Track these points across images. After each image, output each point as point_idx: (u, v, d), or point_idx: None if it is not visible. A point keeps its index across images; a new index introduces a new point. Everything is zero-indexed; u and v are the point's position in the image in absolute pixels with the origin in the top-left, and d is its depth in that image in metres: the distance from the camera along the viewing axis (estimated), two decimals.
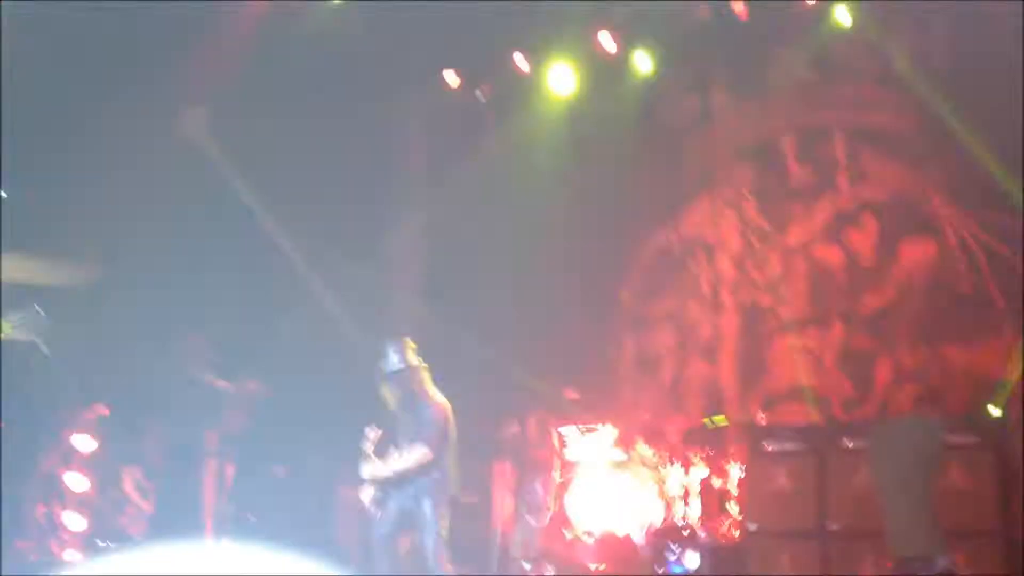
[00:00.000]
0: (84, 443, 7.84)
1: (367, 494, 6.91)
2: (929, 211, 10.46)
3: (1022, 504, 7.35)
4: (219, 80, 10.83)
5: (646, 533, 8.51)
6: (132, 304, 10.72)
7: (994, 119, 9.48)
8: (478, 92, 12.37)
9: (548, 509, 9.09)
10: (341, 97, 11.46)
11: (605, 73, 11.85)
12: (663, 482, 9.30)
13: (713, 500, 9.12)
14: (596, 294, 11.99)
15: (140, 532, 7.72)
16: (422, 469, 6.79)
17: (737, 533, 8.56)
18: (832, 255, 11.03)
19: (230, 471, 8.30)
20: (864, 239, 10.86)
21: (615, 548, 8.51)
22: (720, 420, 9.79)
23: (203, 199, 11.17)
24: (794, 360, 10.89)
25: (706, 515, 9.04)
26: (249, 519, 9.50)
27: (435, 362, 7.36)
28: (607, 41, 11.47)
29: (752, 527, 8.07)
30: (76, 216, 10.68)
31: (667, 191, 12.14)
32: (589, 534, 9.09)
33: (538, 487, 9.04)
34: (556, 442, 9.39)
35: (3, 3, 8.98)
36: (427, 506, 6.79)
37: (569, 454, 9.78)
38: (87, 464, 7.80)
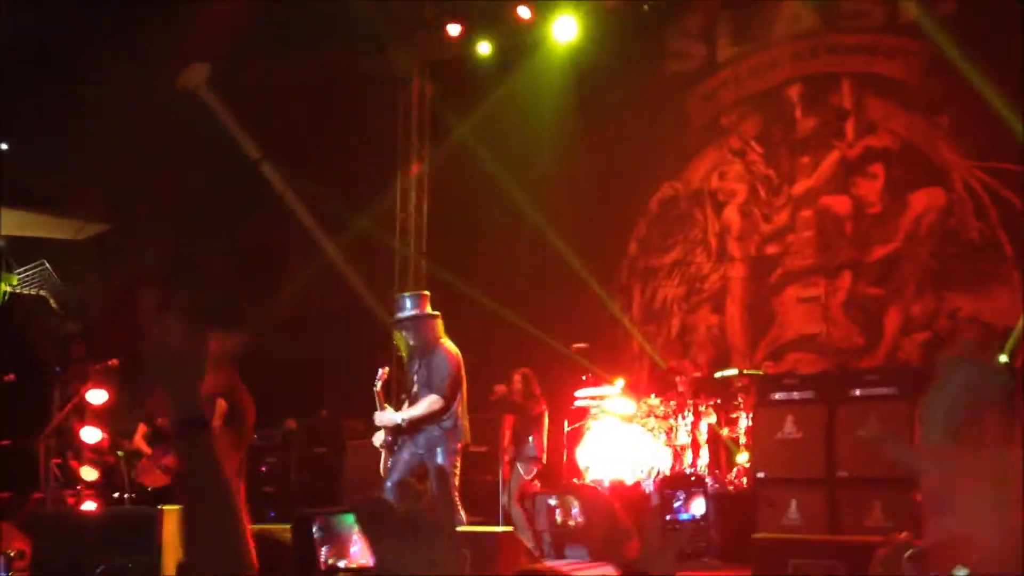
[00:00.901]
0: (96, 396, 7.87)
1: (379, 438, 6.95)
2: (937, 159, 10.42)
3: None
4: (221, 31, 10.75)
5: (654, 481, 8.58)
6: (138, 256, 10.74)
7: (1002, 65, 9.41)
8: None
9: (540, 461, 9.13)
10: (344, 49, 11.38)
11: (610, 22, 11.76)
12: (672, 432, 9.36)
13: (721, 449, 9.18)
14: (604, 246, 11.97)
15: (155, 484, 7.77)
16: (434, 417, 6.82)
17: (745, 481, 8.64)
18: (840, 204, 11.00)
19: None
20: (872, 188, 10.83)
21: (624, 496, 8.58)
22: (729, 371, 9.81)
23: (206, 151, 11.15)
24: (802, 309, 10.91)
25: (714, 464, 9.11)
26: (261, 471, 9.59)
27: (444, 314, 7.38)
28: None
29: (760, 475, 8.12)
30: (80, 170, 10.66)
31: (674, 142, 12.08)
32: (598, 483, 9.16)
33: (532, 440, 9.08)
34: (536, 393, 9.36)
35: None
36: (439, 454, 6.83)
37: (578, 405, 9.83)
38: (99, 416, 7.84)
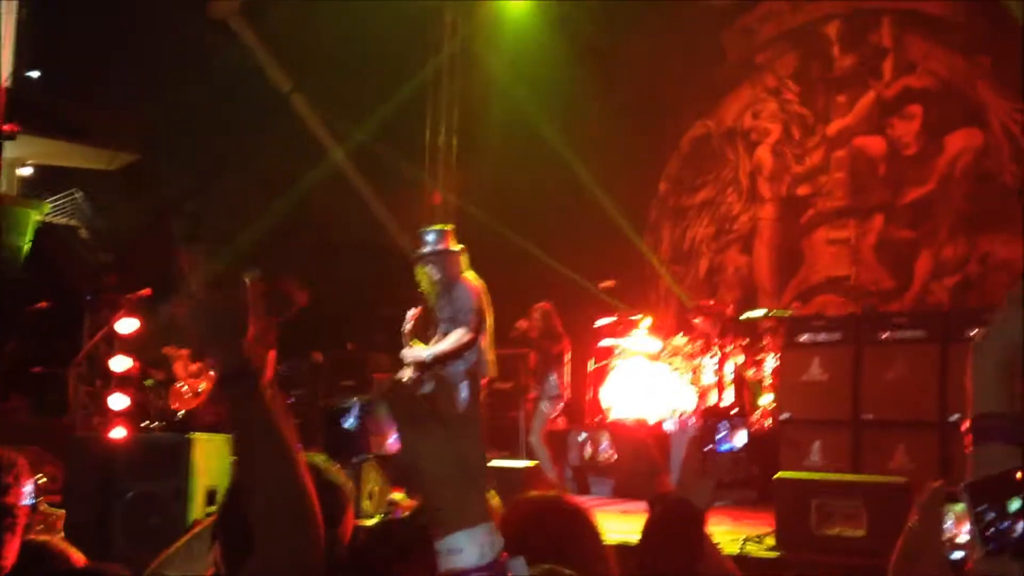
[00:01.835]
0: (127, 325, 7.95)
1: (406, 374, 6.98)
2: (976, 100, 10.24)
3: None
4: None
5: (680, 419, 8.60)
6: (169, 186, 10.78)
7: None
8: None
9: (561, 399, 9.15)
10: None
11: None
12: (697, 372, 9.35)
13: (746, 390, 9.18)
14: (634, 184, 11.89)
15: (186, 411, 7.88)
16: (460, 350, 6.82)
17: (768, 422, 8.64)
18: (874, 145, 10.85)
19: (271, 356, 8.39)
20: (907, 129, 10.67)
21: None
22: (756, 312, 9.77)
23: (237, 82, 11.11)
24: (831, 251, 10.83)
25: (739, 404, 9.11)
26: (288, 403, 9.68)
27: (470, 250, 7.38)
28: None
29: (785, 416, 8.12)
30: (112, 99, 10.67)
31: (708, 79, 11.93)
32: (622, 421, 9.18)
33: (553, 377, 9.07)
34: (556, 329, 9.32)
35: None
36: (463, 388, 6.84)
37: (604, 343, 9.83)
38: (130, 346, 7.92)
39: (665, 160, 12.11)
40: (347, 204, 11.59)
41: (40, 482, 5.83)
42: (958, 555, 1.85)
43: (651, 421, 9.05)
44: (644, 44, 11.64)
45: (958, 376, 5.95)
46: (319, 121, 11.74)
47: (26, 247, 9.81)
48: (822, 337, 8.01)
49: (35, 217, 10.09)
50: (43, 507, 5.54)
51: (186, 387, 7.98)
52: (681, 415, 9.11)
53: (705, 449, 2.05)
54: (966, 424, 1.62)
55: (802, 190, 11.25)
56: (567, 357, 9.16)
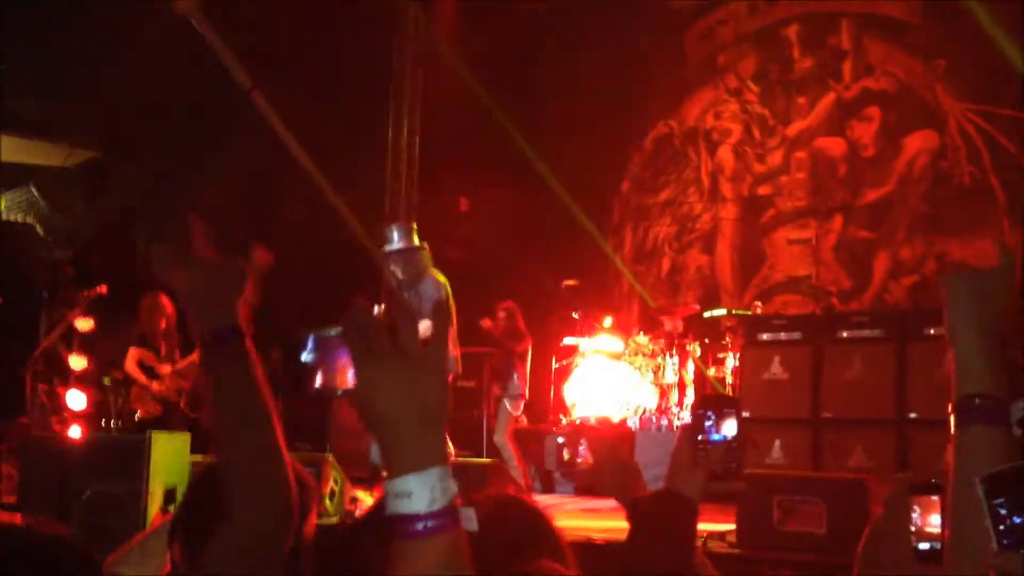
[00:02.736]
0: (84, 323, 7.85)
1: None
2: (933, 102, 10.36)
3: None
4: None
5: (695, 401, 8.62)
6: (128, 184, 10.66)
7: (1007, 7, 9.32)
8: None
9: (523, 397, 9.15)
10: None
11: None
12: (659, 371, 9.40)
13: (707, 389, 9.23)
14: (596, 183, 11.92)
15: (147, 411, 7.78)
16: None
17: None
18: (834, 146, 10.96)
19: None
20: (866, 130, 10.78)
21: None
22: (717, 311, 9.83)
23: (198, 79, 11.01)
24: (792, 251, 10.92)
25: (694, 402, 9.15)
26: None
27: (432, 247, 7.37)
28: None
29: (745, 415, 8.18)
30: (70, 94, 10.53)
31: (670, 80, 11.98)
32: (585, 420, 9.20)
33: (516, 376, 9.08)
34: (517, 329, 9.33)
35: None
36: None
37: (566, 342, 9.85)
38: (87, 343, 7.83)
39: (628, 159, 12.15)
40: (309, 200, 11.52)
41: None
42: (925, 545, 1.86)
43: (614, 419, 9.09)
44: (607, 44, 11.67)
45: (916, 375, 6.04)
46: (280, 118, 11.65)
47: None
48: (782, 336, 8.08)
49: None
50: None
51: (148, 388, 7.88)
52: (643, 413, 9.15)
53: (697, 439, 2.00)
54: (950, 405, 1.62)
55: (763, 190, 11.34)
56: (529, 355, 9.17)
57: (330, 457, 6.07)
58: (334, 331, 1.38)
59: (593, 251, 11.74)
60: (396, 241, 7.14)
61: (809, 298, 10.42)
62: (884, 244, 10.47)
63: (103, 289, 8.04)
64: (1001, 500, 1.31)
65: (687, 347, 9.34)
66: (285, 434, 1.80)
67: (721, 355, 9.27)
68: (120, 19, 10.20)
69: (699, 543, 2.06)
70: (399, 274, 7.18)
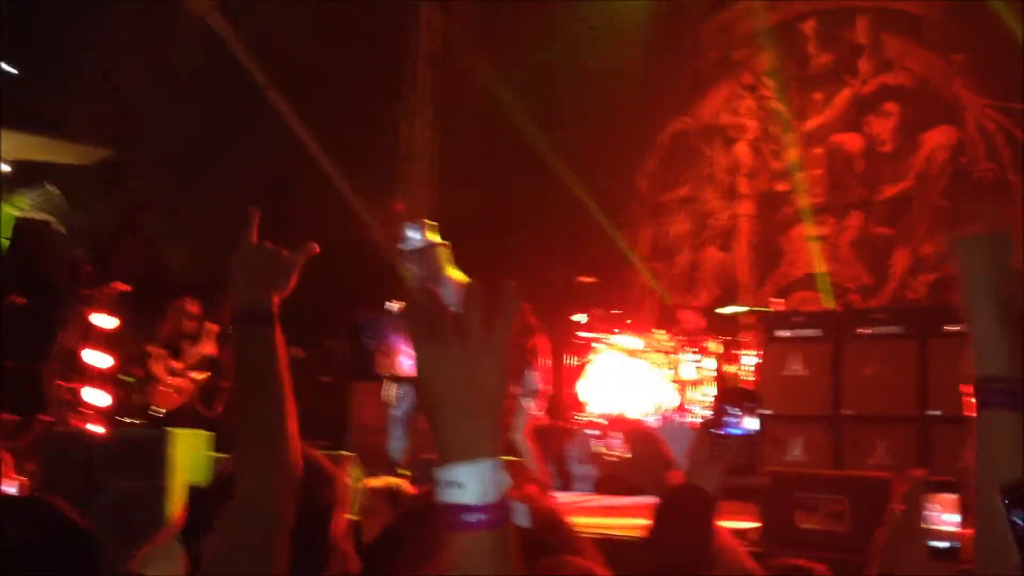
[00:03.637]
0: (104, 320, 7.88)
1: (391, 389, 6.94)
2: (951, 98, 10.31)
3: None
4: None
5: (717, 395, 8.56)
6: (146, 182, 10.69)
7: None
8: None
9: (542, 393, 9.13)
10: None
11: None
12: (677, 368, 9.37)
13: (727, 385, 9.20)
14: (613, 180, 11.89)
15: (168, 406, 7.80)
16: None
17: None
18: (851, 142, 10.91)
19: None
20: (884, 126, 10.73)
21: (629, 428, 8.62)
22: (735, 308, 9.81)
23: (213, 76, 11.03)
24: (810, 247, 10.87)
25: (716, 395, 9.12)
26: None
27: (450, 244, 7.37)
28: None
29: (765, 412, 8.16)
30: (88, 94, 10.57)
31: (686, 76, 11.95)
32: (616, 416, 9.17)
33: (531, 373, 9.05)
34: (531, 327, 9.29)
35: None
36: None
37: (582, 339, 9.83)
38: (108, 341, 7.86)
39: (643, 157, 12.13)
40: (324, 199, 11.53)
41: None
42: (941, 544, 1.86)
43: (630, 416, 9.07)
44: (624, 40, 11.65)
45: (937, 371, 6.01)
46: (296, 116, 11.67)
47: (4, 243, 9.71)
48: (802, 333, 8.06)
49: (13, 213, 9.99)
50: None
51: (169, 385, 7.91)
52: (663, 411, 9.13)
53: (716, 432, 2.00)
54: (970, 387, 1.59)
55: (780, 186, 11.30)
56: (543, 351, 9.15)
57: (351, 455, 6.08)
58: (395, 313, 1.39)
59: (609, 248, 11.72)
60: (415, 239, 7.13)
61: (827, 295, 10.39)
62: (903, 240, 10.41)
63: (123, 286, 8.07)
64: (1021, 513, 1.27)
65: (705, 344, 9.32)
66: (304, 431, 1.84)
67: (739, 352, 9.24)
68: (137, 18, 10.24)
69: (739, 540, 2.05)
70: (416, 271, 7.17)
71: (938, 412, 7.12)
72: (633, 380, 9.26)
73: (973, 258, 1.64)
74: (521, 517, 1.24)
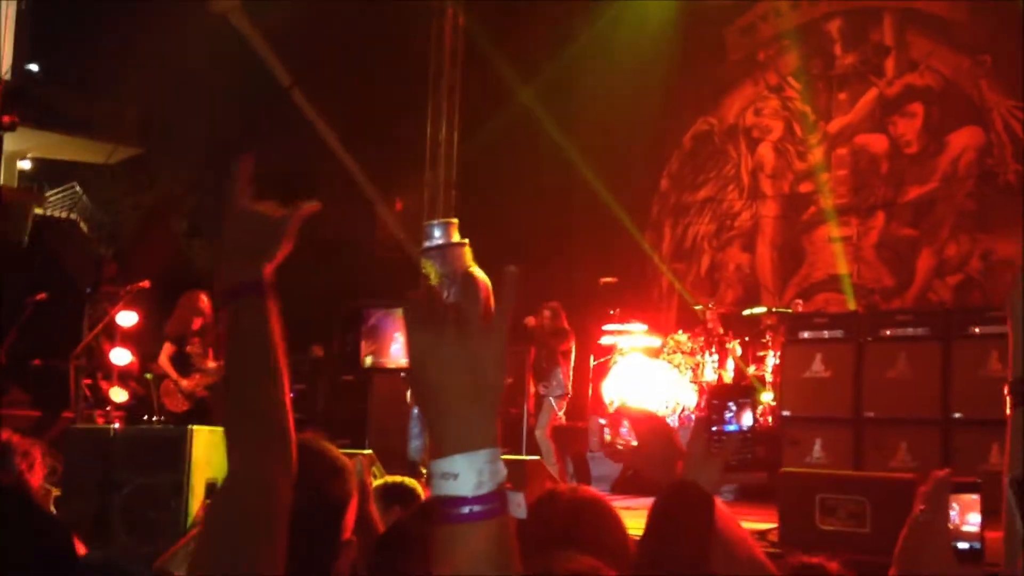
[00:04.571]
0: (127, 318, 7.91)
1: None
2: (978, 99, 10.21)
3: None
4: None
5: (709, 392, 8.54)
6: (169, 181, 10.76)
7: None
8: None
9: (567, 396, 9.13)
10: None
11: None
12: (699, 368, 9.33)
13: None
14: (636, 181, 11.86)
15: (177, 408, 7.82)
16: None
17: (769, 420, 8.62)
18: (876, 143, 10.83)
19: None
20: (909, 127, 10.65)
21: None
22: (758, 309, 9.75)
23: (238, 76, 11.08)
24: (833, 249, 10.80)
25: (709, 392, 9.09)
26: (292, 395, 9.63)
27: (472, 244, 7.36)
28: None
29: (786, 413, 8.11)
30: (113, 93, 10.64)
31: (710, 77, 11.90)
32: (623, 405, 9.14)
33: (560, 374, 9.05)
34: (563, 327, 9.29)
35: None
36: None
37: (605, 340, 9.81)
38: (130, 338, 7.89)
39: (667, 157, 12.08)
40: (347, 198, 11.54)
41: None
42: (964, 545, 1.83)
43: (641, 406, 9.02)
44: (647, 41, 11.61)
45: (960, 374, 5.94)
46: (319, 116, 11.67)
47: (25, 239, 9.79)
48: (824, 334, 7.99)
49: (35, 210, 10.06)
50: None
51: (178, 383, 7.91)
52: (682, 411, 9.09)
53: (712, 429, 1.96)
54: (1006, 387, 1.59)
55: (804, 187, 11.23)
56: (572, 354, 9.16)
57: (371, 453, 6.07)
58: (393, 309, 1.35)
59: (632, 249, 11.68)
60: (436, 238, 7.13)
61: (850, 296, 10.32)
62: (928, 242, 10.33)
63: (146, 284, 8.09)
64: None
65: (727, 345, 9.27)
66: (324, 431, 1.78)
67: (761, 353, 9.18)
68: (160, 18, 10.30)
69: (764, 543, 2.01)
70: (439, 269, 7.16)
71: (961, 415, 7.05)
72: (654, 380, 9.23)
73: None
74: (518, 509, 1.22)
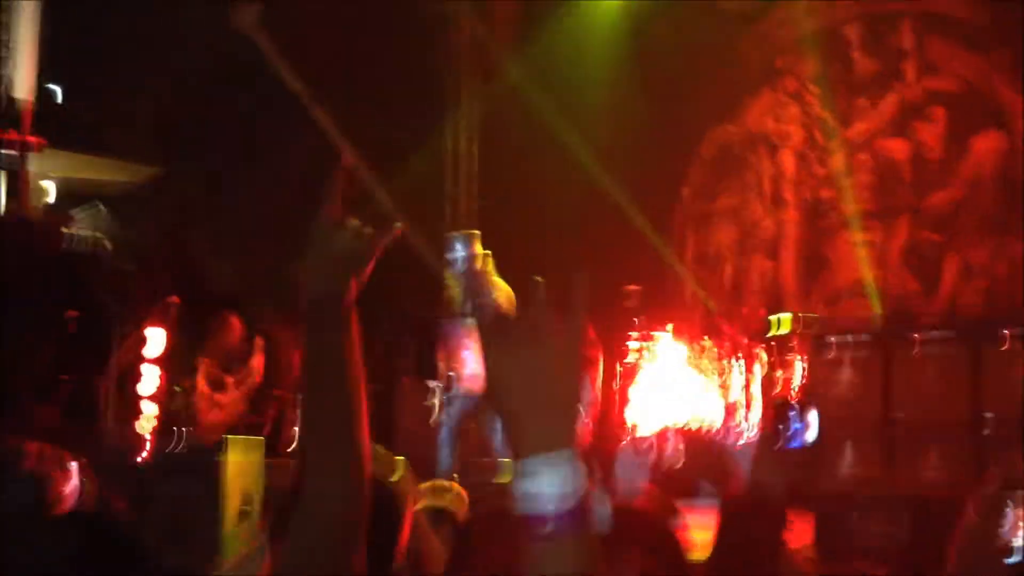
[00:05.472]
0: (155, 335, 7.96)
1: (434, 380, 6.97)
2: (1000, 103, 10.18)
3: None
4: None
5: (764, 406, 8.48)
6: (193, 198, 10.81)
7: None
8: None
9: (595, 404, 9.12)
10: None
11: None
12: (724, 377, 9.31)
13: (778, 395, 9.12)
14: (656, 190, 11.86)
15: (212, 420, 7.86)
16: None
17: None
18: (898, 148, 10.80)
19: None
20: (931, 132, 10.62)
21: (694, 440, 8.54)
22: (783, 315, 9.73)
23: (258, 93, 11.14)
24: (857, 255, 10.77)
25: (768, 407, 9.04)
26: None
27: (494, 255, 7.39)
28: None
29: (814, 420, 8.09)
30: (136, 112, 10.71)
31: (728, 84, 11.90)
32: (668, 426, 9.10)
33: (589, 385, 9.04)
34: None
35: None
36: None
37: (628, 349, 9.80)
38: (158, 355, 7.93)
39: (688, 166, 12.08)
40: (368, 210, 11.56)
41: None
42: (1014, 560, 1.82)
43: (679, 426, 9.00)
44: (664, 49, 11.62)
45: (990, 379, 5.95)
46: (339, 129, 11.73)
47: (55, 259, 9.84)
48: (851, 340, 7.99)
49: (62, 229, 10.12)
50: None
51: (214, 401, 7.96)
52: (710, 421, 9.05)
53: (777, 446, 1.96)
54: None
55: (826, 194, 11.21)
56: (600, 363, 9.15)
57: (403, 460, 6.09)
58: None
59: (654, 257, 11.67)
60: (459, 249, 7.16)
61: (875, 303, 10.28)
62: (953, 247, 10.29)
63: (174, 300, 8.15)
64: None
65: (753, 352, 9.25)
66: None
67: (788, 357, 9.16)
68: (182, 35, 10.37)
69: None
70: (463, 280, 7.19)
71: (992, 417, 7.03)
72: (680, 390, 9.22)
73: None
74: (601, 508, 1.24)
